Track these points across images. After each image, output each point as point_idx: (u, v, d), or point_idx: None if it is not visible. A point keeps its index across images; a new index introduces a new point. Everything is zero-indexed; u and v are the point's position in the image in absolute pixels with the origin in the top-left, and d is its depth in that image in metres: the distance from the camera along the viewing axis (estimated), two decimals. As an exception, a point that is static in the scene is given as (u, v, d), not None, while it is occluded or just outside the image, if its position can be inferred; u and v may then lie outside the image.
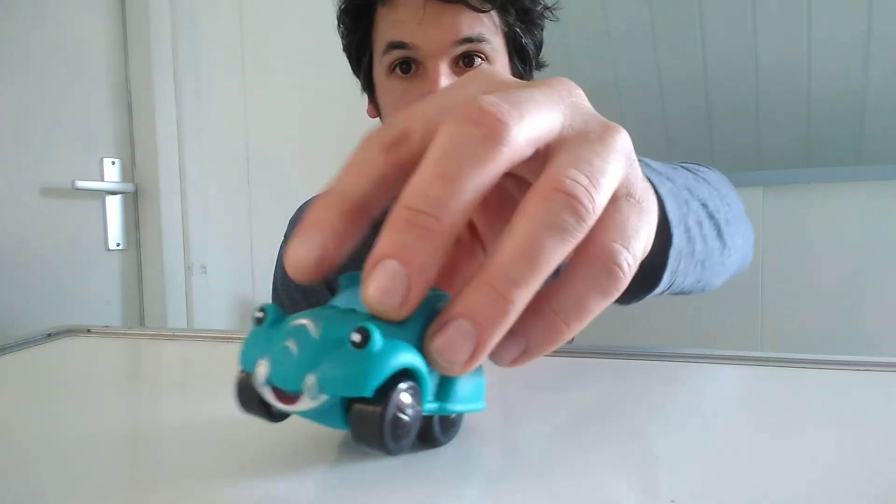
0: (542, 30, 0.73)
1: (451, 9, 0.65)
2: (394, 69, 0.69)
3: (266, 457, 0.22)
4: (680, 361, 0.37)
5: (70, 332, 0.48)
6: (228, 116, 1.55)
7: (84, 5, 1.27)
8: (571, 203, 0.18)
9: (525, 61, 0.73)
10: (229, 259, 1.56)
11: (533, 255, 0.18)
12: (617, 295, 0.20)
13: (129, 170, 1.37)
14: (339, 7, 0.73)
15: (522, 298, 0.18)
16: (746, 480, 0.20)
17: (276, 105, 1.62)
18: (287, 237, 0.85)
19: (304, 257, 0.19)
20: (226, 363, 0.40)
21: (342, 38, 0.75)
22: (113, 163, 1.34)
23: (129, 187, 1.36)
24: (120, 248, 1.35)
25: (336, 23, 0.74)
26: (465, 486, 0.20)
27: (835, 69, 1.52)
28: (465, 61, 0.67)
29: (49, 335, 0.47)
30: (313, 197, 0.87)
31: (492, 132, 0.19)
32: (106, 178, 1.32)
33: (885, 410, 0.28)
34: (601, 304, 0.20)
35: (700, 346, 0.39)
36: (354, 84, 0.79)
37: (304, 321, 0.19)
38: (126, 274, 1.37)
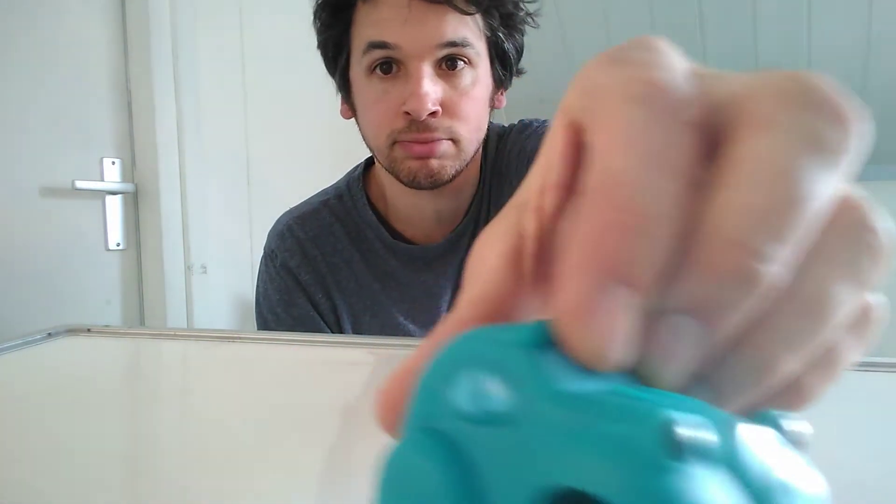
0: (523, 35, 0.73)
1: (437, 10, 0.64)
2: (374, 69, 0.67)
3: (262, 454, 0.22)
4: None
5: (70, 331, 0.48)
6: (228, 116, 1.55)
7: (84, 5, 1.27)
8: (874, 244, 0.14)
9: (506, 67, 0.72)
10: (229, 259, 1.56)
11: (821, 313, 0.13)
12: (864, 350, 0.16)
13: (129, 170, 1.37)
14: (317, 2, 0.70)
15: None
16: (747, 480, 0.20)
17: (276, 105, 1.62)
18: (268, 253, 0.80)
19: (609, 343, 0.11)
20: (225, 363, 0.40)
21: (318, 34, 0.72)
22: (113, 163, 1.34)
23: (129, 187, 1.36)
24: (120, 248, 1.35)
25: (312, 18, 0.71)
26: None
27: (835, 69, 1.52)
28: (448, 64, 0.66)
29: (49, 335, 0.47)
30: (314, 205, 0.79)
31: (847, 132, 0.13)
32: (106, 178, 1.32)
33: (885, 410, 0.28)
34: (853, 357, 0.15)
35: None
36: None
37: (761, 436, 0.12)
38: (126, 274, 1.37)
